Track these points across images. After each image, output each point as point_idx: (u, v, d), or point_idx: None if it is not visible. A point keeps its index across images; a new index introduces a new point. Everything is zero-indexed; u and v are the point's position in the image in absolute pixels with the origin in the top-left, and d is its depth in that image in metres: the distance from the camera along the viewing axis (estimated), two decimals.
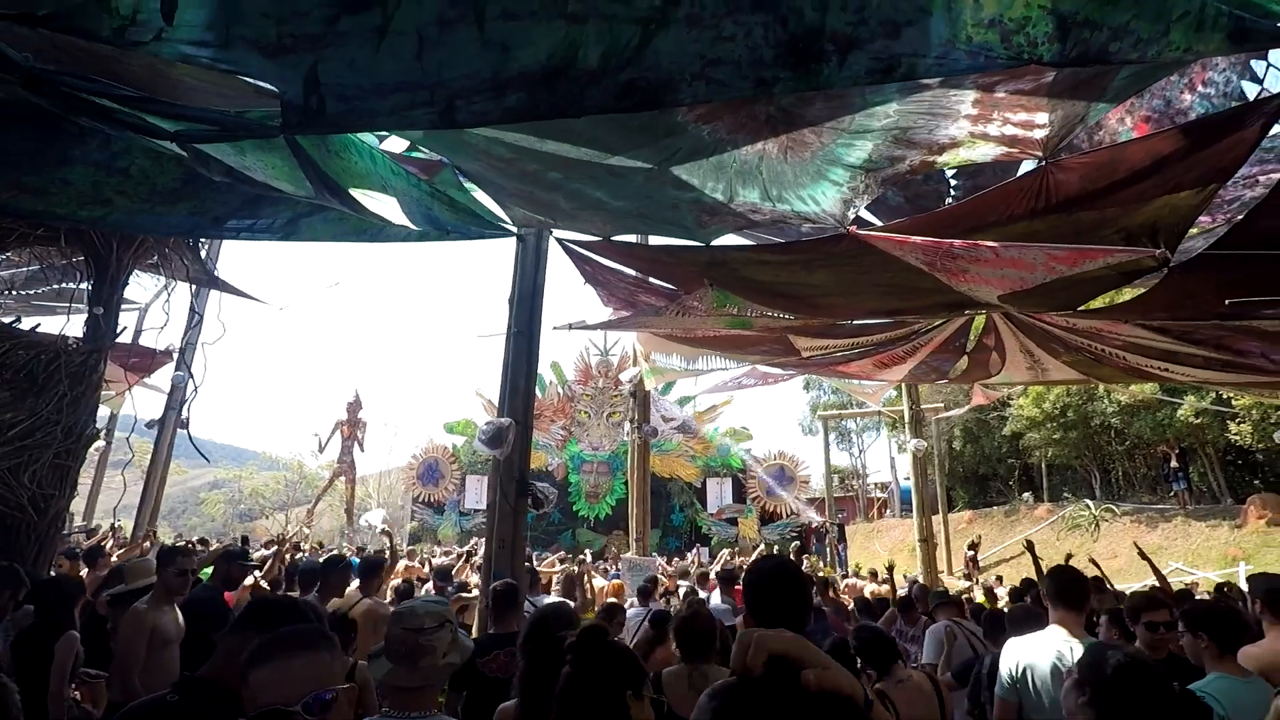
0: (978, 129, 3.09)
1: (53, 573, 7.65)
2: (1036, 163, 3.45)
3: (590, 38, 1.88)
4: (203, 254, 7.94)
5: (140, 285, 8.02)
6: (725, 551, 14.76)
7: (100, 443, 14.47)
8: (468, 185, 4.70)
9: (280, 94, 2.16)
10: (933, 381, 10.72)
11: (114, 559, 7.19)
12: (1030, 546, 6.73)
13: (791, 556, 13.73)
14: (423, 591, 7.60)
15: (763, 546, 18.46)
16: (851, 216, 3.81)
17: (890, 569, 8.77)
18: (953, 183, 4.79)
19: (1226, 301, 4.20)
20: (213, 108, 2.91)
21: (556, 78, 1.94)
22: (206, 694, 1.68)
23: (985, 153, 3.33)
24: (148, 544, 8.73)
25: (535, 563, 9.57)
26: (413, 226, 4.32)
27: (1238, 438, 19.13)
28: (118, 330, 6.29)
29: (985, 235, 3.83)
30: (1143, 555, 6.99)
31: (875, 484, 38.01)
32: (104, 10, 1.98)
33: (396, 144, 4.54)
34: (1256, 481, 22.34)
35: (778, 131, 3.05)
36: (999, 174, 4.29)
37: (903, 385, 11.73)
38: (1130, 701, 1.77)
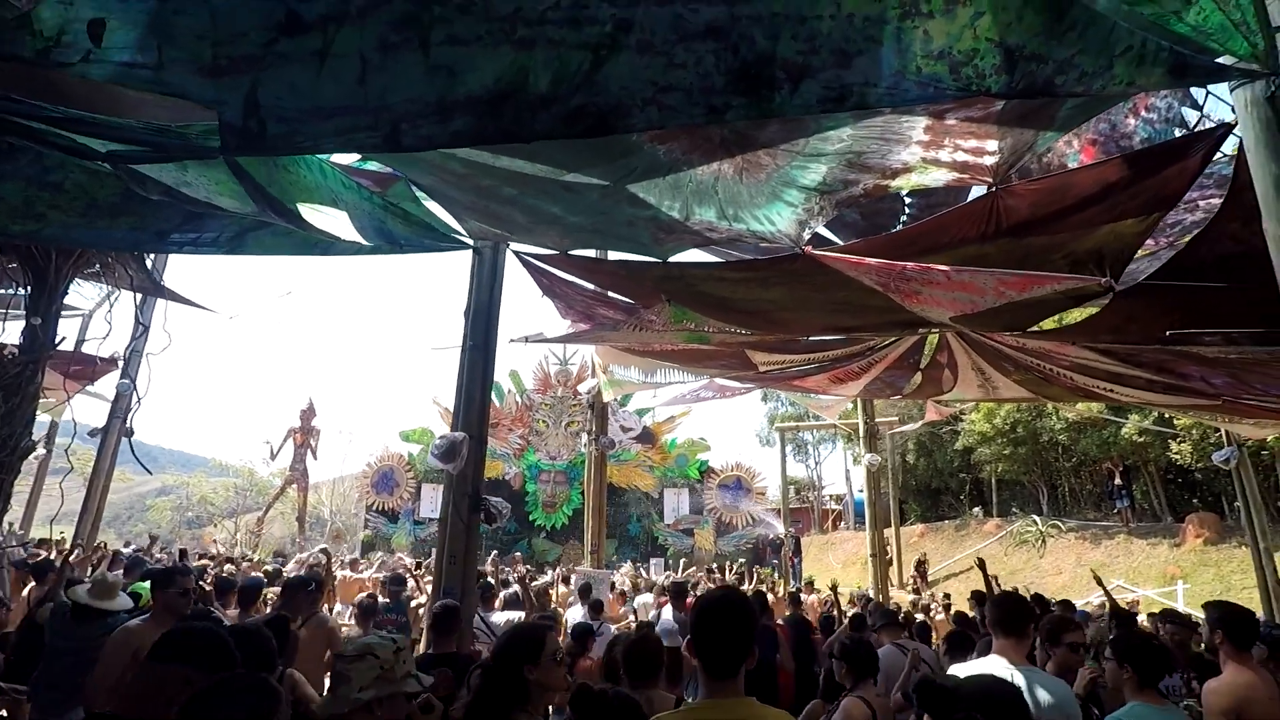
0: (929, 154, 3.13)
1: None
2: (987, 188, 3.51)
3: (539, 63, 1.85)
4: (149, 263, 7.71)
5: (81, 294, 7.74)
6: (693, 570, 14.74)
7: (40, 451, 13.94)
8: (422, 198, 4.62)
9: (219, 115, 2.08)
10: (887, 397, 10.87)
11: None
12: (981, 564, 6.83)
13: (741, 571, 13.82)
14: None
15: (717, 558, 18.50)
16: (807, 236, 3.83)
17: (834, 588, 8.89)
18: (907, 201, 4.85)
19: (1167, 333, 4.31)
20: (151, 123, 2.80)
21: (504, 102, 1.90)
22: None
23: (937, 178, 3.38)
24: (98, 554, 8.42)
25: (498, 572, 9.41)
26: (364, 241, 4.21)
27: (1178, 457, 19.73)
28: (57, 340, 6.04)
29: (938, 258, 3.88)
30: (1098, 581, 7.15)
31: (831, 496, 38.40)
32: (26, 32, 1.89)
33: (349, 155, 4.45)
34: (1195, 500, 23.07)
35: (732, 153, 3.05)
36: (952, 195, 4.36)
37: (858, 400, 11.86)
38: None
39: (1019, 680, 2.65)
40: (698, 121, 2.02)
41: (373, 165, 4.47)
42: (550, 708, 3.19)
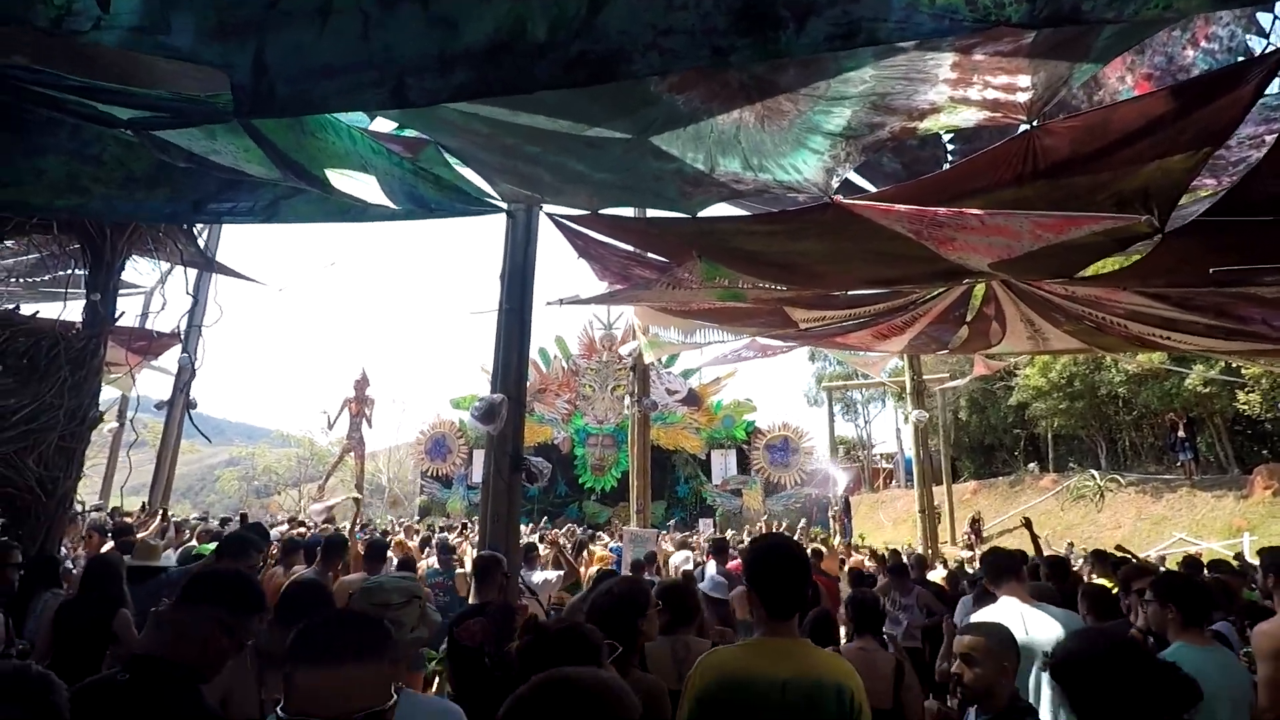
0: (958, 93, 3.02)
1: (75, 550, 7.83)
2: (1024, 127, 3.38)
3: (536, 11, 1.83)
4: (200, 238, 7.94)
5: (138, 270, 8.04)
6: (730, 532, 14.79)
7: (113, 424, 14.64)
8: (453, 162, 4.65)
9: (230, 78, 2.12)
10: (933, 352, 10.66)
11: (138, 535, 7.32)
12: (1028, 523, 6.71)
13: (798, 530, 13.84)
14: (424, 565, 7.67)
15: (766, 518, 18.54)
16: (835, 184, 3.75)
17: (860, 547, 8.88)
18: (949, 147, 4.70)
19: (1211, 270, 4.13)
20: (182, 94, 2.87)
21: (503, 53, 1.89)
22: (160, 672, 1.68)
23: (968, 117, 3.26)
24: (159, 521, 8.86)
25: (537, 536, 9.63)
26: (396, 206, 4.27)
27: (1246, 407, 18.98)
28: (116, 314, 6.31)
29: (972, 202, 3.76)
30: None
31: (881, 454, 38.03)
32: (38, 1, 1.94)
33: (384, 124, 4.50)
34: (1265, 451, 22.22)
35: (752, 99, 2.98)
36: (995, 138, 4.20)
37: (905, 356, 11.66)
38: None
39: (1030, 615, 2.91)
40: (702, 64, 1.97)
41: (407, 133, 4.52)
42: None
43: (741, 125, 3.22)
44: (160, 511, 10.62)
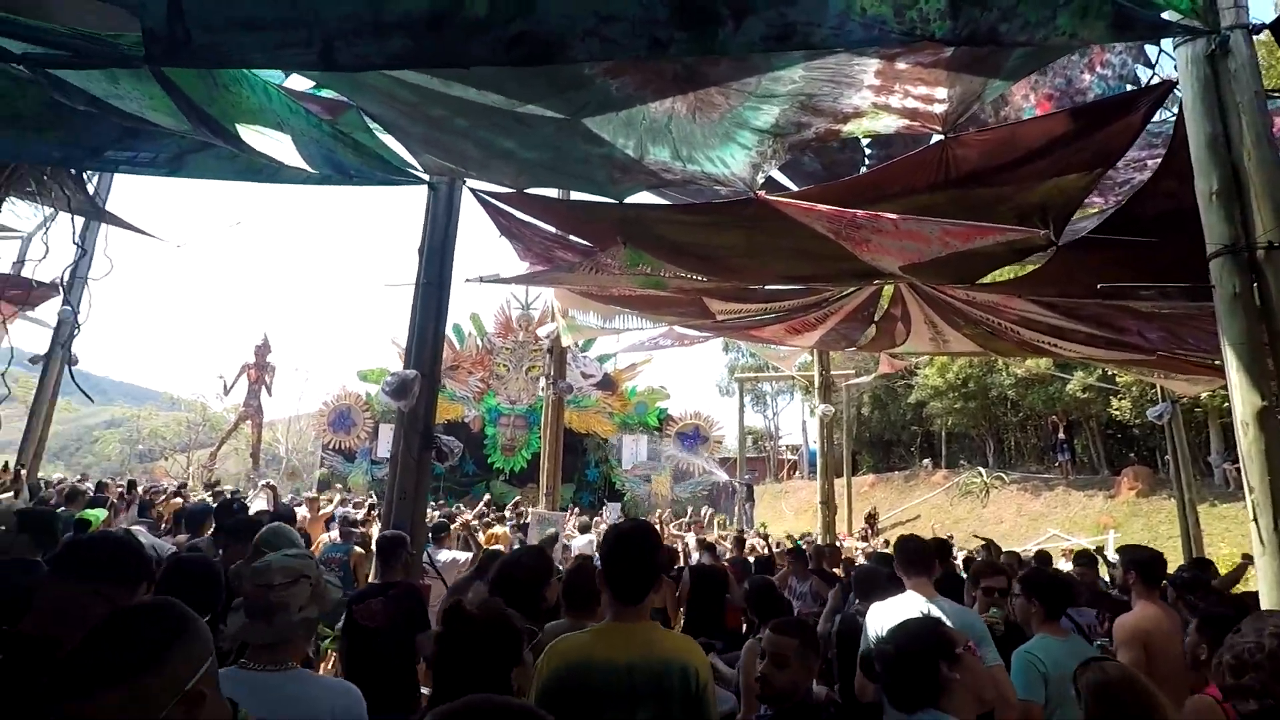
0: (880, 100, 3.14)
1: None
2: (939, 137, 3.55)
3: None
4: (90, 185, 7.39)
5: (15, 214, 7.44)
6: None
7: None
8: (375, 129, 4.50)
9: (140, 19, 1.99)
10: (842, 349, 11.04)
11: None
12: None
13: (698, 517, 14.11)
14: (325, 539, 7.43)
15: (673, 503, 18.82)
16: (760, 180, 3.84)
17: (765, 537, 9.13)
18: (867, 151, 4.87)
19: (1099, 286, 4.44)
20: (80, 30, 2.66)
21: (441, 24, 1.84)
22: (39, 653, 1.57)
23: (888, 124, 3.39)
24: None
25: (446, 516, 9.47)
26: (312, 169, 4.10)
27: (1118, 413, 20.52)
28: None
29: (888, 206, 3.92)
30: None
31: (787, 446, 39.19)
32: None
33: (300, 82, 4.29)
34: (1131, 454, 24.11)
35: (684, 89, 3.02)
36: (910, 145, 4.39)
37: (815, 351, 12.03)
38: None
39: (932, 612, 2.83)
40: (640, 55, 1.99)
41: (325, 93, 4.33)
42: None
43: (673, 115, 3.26)
44: (15, 470, 9.88)
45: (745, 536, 11.53)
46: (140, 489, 11.29)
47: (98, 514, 6.25)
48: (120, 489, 11.18)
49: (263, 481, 9.16)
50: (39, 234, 8.58)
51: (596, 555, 7.07)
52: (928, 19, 1.98)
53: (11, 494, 7.34)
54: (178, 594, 1.71)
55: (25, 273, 9.68)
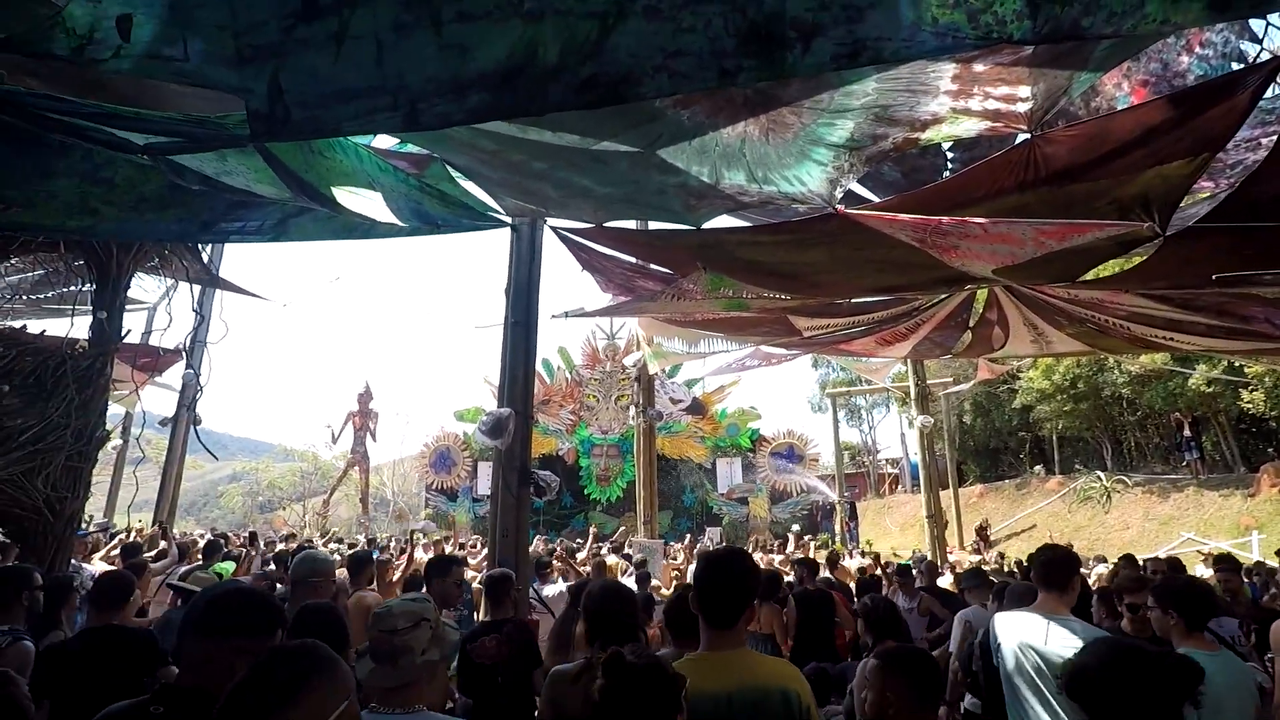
0: (959, 104, 3.06)
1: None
2: (1024, 136, 3.42)
3: (548, 35, 1.87)
4: (204, 255, 7.99)
5: (142, 287, 8.09)
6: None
7: (117, 441, 14.66)
8: (457, 177, 4.70)
9: (246, 103, 2.17)
10: (937, 357, 10.69)
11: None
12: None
13: (806, 537, 13.79)
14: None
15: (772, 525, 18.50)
16: (839, 195, 3.79)
17: (876, 556, 8.90)
18: (949, 156, 4.75)
19: (1214, 277, 4.15)
20: (190, 115, 2.91)
21: (516, 76, 1.93)
22: (193, 705, 1.67)
23: (969, 128, 3.30)
24: (162, 542, 8.85)
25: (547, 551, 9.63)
26: (402, 223, 4.31)
27: (1250, 406, 18.95)
28: (123, 332, 6.34)
29: (975, 210, 3.80)
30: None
31: (886, 460, 37.98)
32: (60, 30, 1.99)
33: (385, 140, 4.54)
34: (1270, 449, 22.20)
35: (755, 112, 3.03)
36: (995, 146, 4.24)
37: (908, 361, 11.69)
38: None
39: (1052, 630, 2.69)
40: (710, 85, 2.01)
41: (409, 148, 4.56)
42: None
43: (746, 138, 3.27)
44: (162, 528, 10.59)
45: (840, 557, 11.21)
46: (262, 541, 11.92)
47: (227, 566, 6.67)
48: (240, 540, 11.87)
49: (411, 527, 9.52)
50: (162, 304, 9.31)
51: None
52: (1004, 21, 1.92)
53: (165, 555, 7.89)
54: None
55: (152, 341, 10.49)
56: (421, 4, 1.93)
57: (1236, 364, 17.04)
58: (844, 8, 1.84)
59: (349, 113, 2.20)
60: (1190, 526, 17.69)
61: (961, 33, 1.92)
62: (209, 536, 12.46)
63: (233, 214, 4.47)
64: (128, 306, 6.79)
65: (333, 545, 13.62)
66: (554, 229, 5.53)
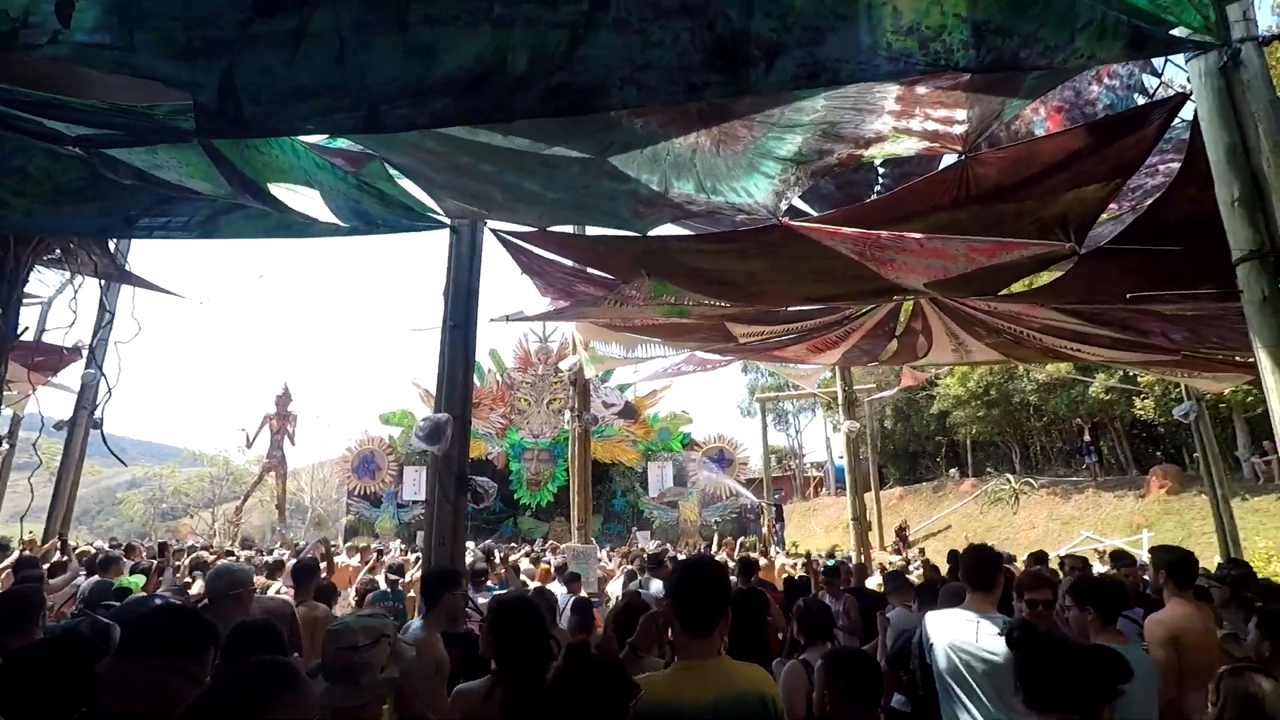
0: (901, 124, 3.21)
1: None
2: (957, 156, 3.61)
3: (517, 43, 1.87)
4: (112, 247, 7.55)
5: (42, 281, 7.60)
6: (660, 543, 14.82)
7: (3, 447, 13.69)
8: (396, 176, 4.60)
9: (194, 98, 2.08)
10: (864, 364, 11.05)
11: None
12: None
13: (727, 539, 14.04)
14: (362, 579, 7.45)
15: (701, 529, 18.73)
16: (784, 207, 3.90)
17: (808, 555, 9.07)
18: (880, 171, 4.94)
19: (1128, 296, 4.45)
20: (116, 105, 2.77)
21: (483, 83, 1.92)
22: None
23: (909, 146, 3.46)
24: (58, 554, 8.32)
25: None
26: (340, 222, 4.20)
27: (1142, 413, 20.36)
28: (19, 330, 5.94)
29: (911, 225, 3.98)
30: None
31: (811, 463, 38.92)
32: None
33: (320, 135, 4.40)
34: (1158, 453, 23.90)
35: (708, 124, 3.11)
36: (923, 164, 4.46)
37: (836, 368, 12.03)
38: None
39: (982, 628, 2.79)
40: (676, 100, 2.06)
41: (343, 144, 4.43)
42: None
43: (697, 149, 3.34)
44: (61, 541, 9.94)
45: (774, 557, 11.49)
46: (171, 550, 11.30)
47: (136, 580, 6.32)
48: (149, 550, 11.22)
49: (318, 538, 9.19)
50: (62, 300, 8.75)
51: (637, 583, 7.10)
52: (952, 50, 2.04)
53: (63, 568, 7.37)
54: (242, 657, 1.72)
55: (52, 339, 9.83)
56: (387, 4, 1.90)
57: (1131, 374, 18.22)
58: (805, 29, 1.92)
59: (306, 111, 2.15)
60: (1089, 525, 18.81)
61: (913, 58, 2.03)
62: (106, 547, 11.77)
63: (159, 209, 4.23)
64: (24, 301, 6.36)
65: (243, 553, 13.15)
66: (494, 231, 5.48)
